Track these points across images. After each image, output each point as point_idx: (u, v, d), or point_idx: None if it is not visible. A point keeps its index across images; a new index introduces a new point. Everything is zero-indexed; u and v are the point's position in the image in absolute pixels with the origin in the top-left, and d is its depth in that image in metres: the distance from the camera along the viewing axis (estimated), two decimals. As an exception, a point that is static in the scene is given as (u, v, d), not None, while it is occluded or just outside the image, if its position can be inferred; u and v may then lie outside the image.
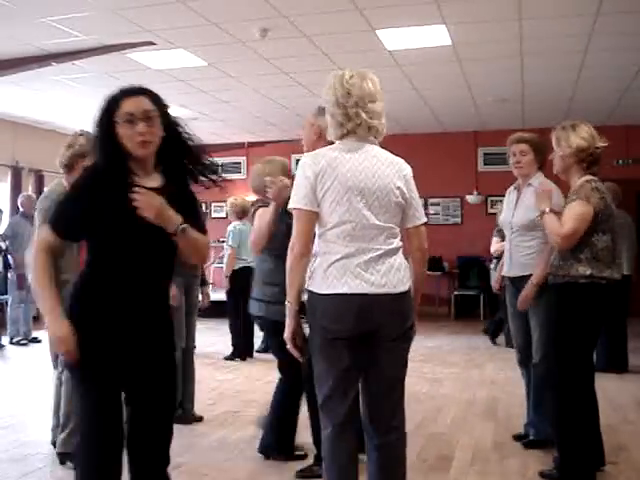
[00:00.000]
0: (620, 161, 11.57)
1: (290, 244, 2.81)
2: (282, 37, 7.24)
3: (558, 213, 3.77)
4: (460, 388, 6.43)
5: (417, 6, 6.43)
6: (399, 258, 2.84)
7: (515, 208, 4.46)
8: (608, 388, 5.83)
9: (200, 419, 5.23)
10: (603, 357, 6.76)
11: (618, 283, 3.73)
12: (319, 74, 8.57)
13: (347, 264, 2.75)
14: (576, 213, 3.63)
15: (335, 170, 2.77)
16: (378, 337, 2.78)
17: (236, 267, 8.01)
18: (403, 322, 2.83)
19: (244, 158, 14.06)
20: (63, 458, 4.09)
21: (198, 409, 5.47)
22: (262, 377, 6.99)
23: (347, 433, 2.83)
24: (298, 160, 12.56)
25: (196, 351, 5.47)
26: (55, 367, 4.31)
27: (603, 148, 3.77)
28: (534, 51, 7.76)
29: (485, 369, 7.42)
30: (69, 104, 10.35)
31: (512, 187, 4.61)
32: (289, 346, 2.85)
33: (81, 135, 4.16)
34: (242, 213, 8.18)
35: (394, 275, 2.78)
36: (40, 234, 2.57)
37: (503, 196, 4.68)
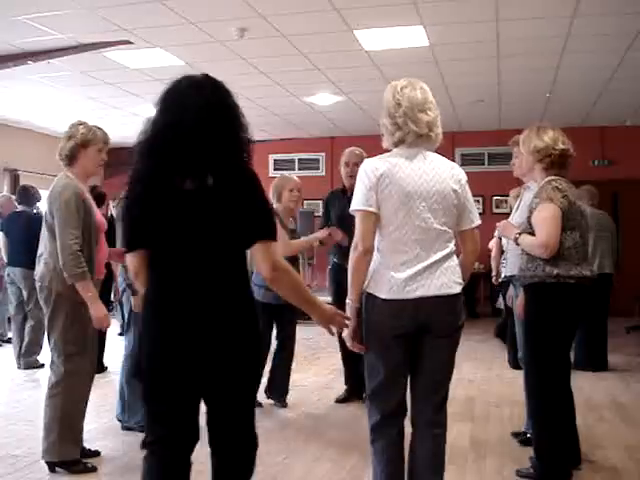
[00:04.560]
0: (596, 162, 11.68)
1: (353, 244, 2.91)
2: (260, 37, 7.22)
3: (530, 232, 3.76)
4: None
5: (395, 7, 6.45)
6: (454, 261, 2.95)
7: (516, 209, 4.52)
8: (585, 387, 5.87)
9: None
10: (582, 355, 6.80)
11: (592, 281, 3.73)
12: (297, 74, 8.57)
13: (406, 269, 2.85)
14: (544, 217, 3.63)
15: (395, 175, 2.87)
16: (428, 333, 2.90)
17: None
18: (454, 321, 2.95)
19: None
20: (52, 466, 3.97)
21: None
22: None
23: (394, 425, 2.98)
24: (276, 160, 12.48)
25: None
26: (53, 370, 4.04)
27: (565, 151, 3.77)
28: (511, 52, 7.81)
29: (462, 368, 7.43)
30: (45, 103, 10.25)
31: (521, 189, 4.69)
32: (349, 344, 2.97)
33: (80, 125, 4.10)
34: None
35: (449, 277, 2.89)
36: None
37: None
